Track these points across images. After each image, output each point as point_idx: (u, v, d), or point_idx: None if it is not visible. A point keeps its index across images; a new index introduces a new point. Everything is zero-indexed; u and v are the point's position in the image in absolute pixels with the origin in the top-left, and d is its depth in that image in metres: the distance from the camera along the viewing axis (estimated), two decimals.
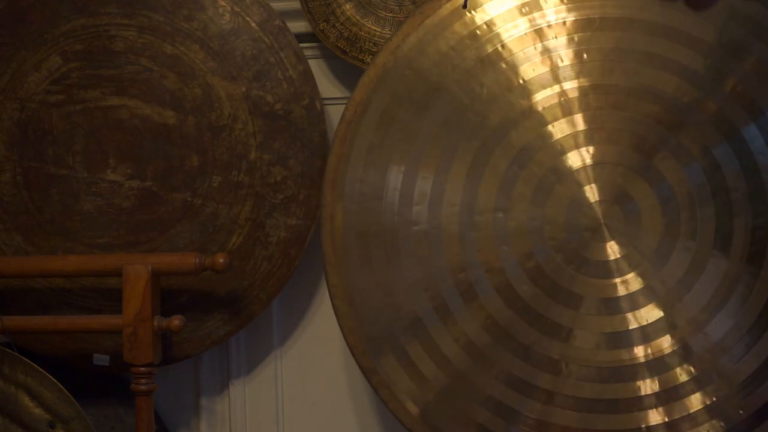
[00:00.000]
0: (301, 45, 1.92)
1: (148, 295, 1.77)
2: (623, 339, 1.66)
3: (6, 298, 1.94)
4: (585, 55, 1.67)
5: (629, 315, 1.66)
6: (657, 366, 1.66)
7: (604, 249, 1.66)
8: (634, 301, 1.66)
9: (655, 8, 1.66)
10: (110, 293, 1.91)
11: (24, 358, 1.77)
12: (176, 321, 1.78)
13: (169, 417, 2.07)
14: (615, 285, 1.67)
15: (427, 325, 1.70)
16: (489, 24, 1.69)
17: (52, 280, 1.92)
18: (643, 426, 1.67)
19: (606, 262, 1.66)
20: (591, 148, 1.66)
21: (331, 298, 1.75)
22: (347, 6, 1.89)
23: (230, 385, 2.06)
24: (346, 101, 1.89)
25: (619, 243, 1.66)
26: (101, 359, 1.93)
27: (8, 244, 1.92)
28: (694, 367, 1.66)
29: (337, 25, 1.89)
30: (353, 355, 1.74)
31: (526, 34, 1.68)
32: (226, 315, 1.92)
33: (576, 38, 1.67)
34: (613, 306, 1.66)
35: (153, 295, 1.78)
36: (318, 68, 1.98)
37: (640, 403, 1.67)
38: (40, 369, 1.76)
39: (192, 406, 2.08)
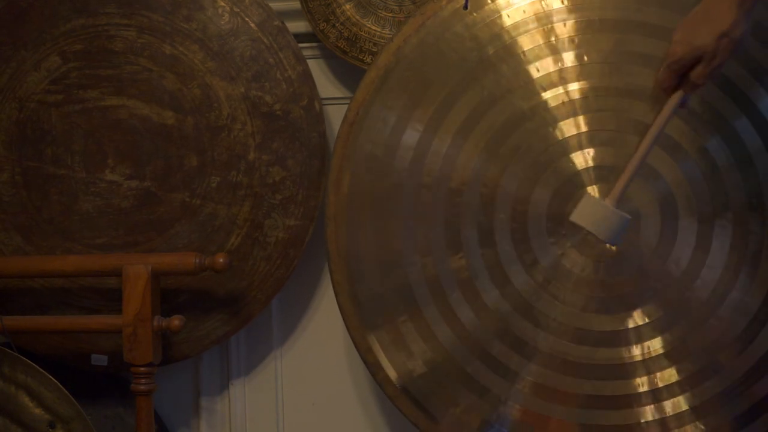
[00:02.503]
0: (301, 45, 1.92)
1: (147, 295, 1.77)
2: (622, 337, 1.67)
3: (5, 298, 1.93)
4: (585, 57, 1.67)
5: (627, 314, 1.67)
6: (655, 363, 1.67)
7: (604, 248, 1.67)
8: (633, 300, 1.67)
9: (654, 10, 1.67)
10: (109, 293, 1.91)
11: (24, 358, 1.77)
12: (176, 321, 1.78)
13: (169, 417, 2.07)
14: (613, 284, 1.67)
15: (427, 319, 1.71)
16: (490, 25, 1.70)
17: (51, 279, 1.91)
18: (642, 421, 1.68)
19: (605, 262, 1.67)
20: (592, 150, 1.67)
21: (336, 296, 1.75)
22: (347, 6, 1.90)
23: (230, 385, 2.06)
24: (345, 101, 1.90)
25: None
26: (99, 359, 1.93)
27: (7, 244, 1.92)
28: (691, 364, 1.67)
29: (337, 25, 1.89)
30: (359, 351, 1.75)
31: (527, 35, 1.68)
32: (225, 315, 1.92)
33: (576, 40, 1.67)
34: (612, 305, 1.67)
35: (153, 295, 1.78)
36: (318, 68, 1.98)
37: (638, 400, 1.68)
38: (40, 369, 1.76)
39: (192, 406, 2.08)
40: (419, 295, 1.71)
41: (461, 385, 1.71)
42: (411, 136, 1.70)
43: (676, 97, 1.53)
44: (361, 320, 1.73)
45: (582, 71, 1.67)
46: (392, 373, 1.73)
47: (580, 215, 1.56)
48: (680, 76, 1.52)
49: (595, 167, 1.66)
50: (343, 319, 1.74)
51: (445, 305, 1.70)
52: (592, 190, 1.66)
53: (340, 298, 1.73)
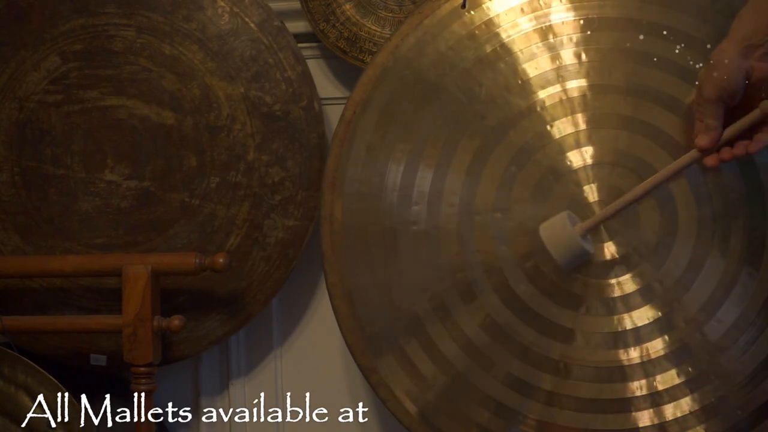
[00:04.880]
0: (301, 45, 1.92)
1: (147, 295, 1.77)
2: (621, 339, 1.66)
3: (5, 298, 1.93)
4: (584, 56, 1.67)
5: (626, 315, 1.67)
6: (654, 366, 1.66)
7: (602, 249, 1.66)
8: (632, 302, 1.66)
9: (654, 8, 1.66)
10: (109, 293, 1.91)
11: (24, 358, 1.77)
12: (176, 321, 1.78)
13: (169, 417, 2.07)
14: (612, 285, 1.66)
15: (425, 325, 1.70)
16: (488, 24, 1.69)
17: (50, 279, 1.92)
18: (641, 426, 1.67)
19: (604, 263, 1.66)
20: (590, 149, 1.66)
21: (330, 298, 1.75)
22: (347, 6, 1.90)
23: (230, 385, 2.06)
24: (346, 101, 1.90)
25: (617, 243, 1.66)
26: (98, 359, 1.94)
27: (6, 244, 1.92)
28: (691, 367, 1.66)
29: (337, 25, 1.90)
30: (352, 354, 1.74)
31: (524, 34, 1.68)
32: (225, 315, 1.92)
33: (575, 38, 1.67)
34: (611, 306, 1.67)
35: (153, 295, 1.78)
36: (318, 68, 1.98)
37: (637, 404, 1.67)
38: (40, 369, 1.76)
39: (192, 406, 2.08)
40: (418, 297, 1.70)
41: (466, 397, 1.70)
42: (409, 137, 1.70)
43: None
44: (355, 322, 1.73)
45: (580, 69, 1.66)
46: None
47: (546, 230, 1.56)
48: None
49: (593, 165, 1.66)
50: (338, 323, 1.74)
51: (444, 312, 1.69)
52: (590, 189, 1.66)
53: (335, 301, 1.73)
